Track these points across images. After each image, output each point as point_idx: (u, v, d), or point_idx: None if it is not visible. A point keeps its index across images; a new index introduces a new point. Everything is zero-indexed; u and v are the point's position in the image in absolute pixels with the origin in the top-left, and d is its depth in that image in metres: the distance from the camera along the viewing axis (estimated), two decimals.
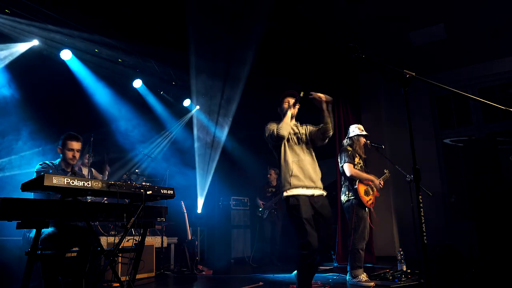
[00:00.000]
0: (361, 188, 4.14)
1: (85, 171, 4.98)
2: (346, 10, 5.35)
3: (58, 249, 2.66)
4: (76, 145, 3.26)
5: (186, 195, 6.59)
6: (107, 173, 5.27)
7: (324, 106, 3.05)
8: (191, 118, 7.93)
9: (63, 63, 5.60)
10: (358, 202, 4.10)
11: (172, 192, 2.80)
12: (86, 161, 5.01)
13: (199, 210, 7.22)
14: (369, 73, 7.57)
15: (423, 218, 1.95)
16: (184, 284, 4.55)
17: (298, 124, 3.34)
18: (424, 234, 1.91)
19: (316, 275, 3.46)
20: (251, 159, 7.73)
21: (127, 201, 2.78)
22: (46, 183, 2.07)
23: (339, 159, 4.31)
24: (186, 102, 7.64)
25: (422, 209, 1.96)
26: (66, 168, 3.27)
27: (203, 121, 7.72)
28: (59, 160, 3.28)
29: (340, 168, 4.29)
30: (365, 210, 4.15)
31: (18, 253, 3.68)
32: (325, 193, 3.14)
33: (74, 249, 2.80)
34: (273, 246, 6.36)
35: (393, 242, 6.78)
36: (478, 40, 6.28)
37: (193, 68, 6.42)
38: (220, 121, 7.57)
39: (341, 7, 5.27)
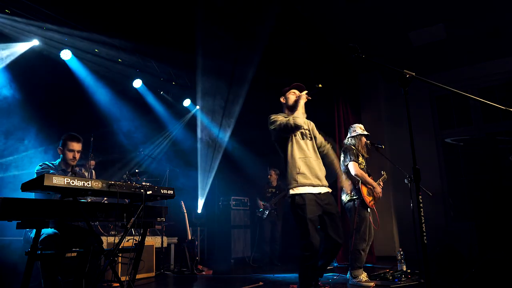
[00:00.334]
0: (364, 188, 4.11)
1: (86, 173, 4.98)
2: (346, 10, 5.35)
3: (59, 250, 2.66)
4: (76, 146, 3.25)
5: (187, 195, 6.60)
6: (91, 165, 5.09)
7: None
8: (192, 119, 7.95)
9: (63, 63, 5.61)
10: (360, 202, 4.06)
11: (172, 192, 2.79)
12: (88, 165, 5.00)
13: (199, 210, 7.23)
14: (369, 73, 7.57)
15: (423, 218, 1.95)
16: (184, 284, 4.55)
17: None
18: (424, 234, 1.91)
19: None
20: (251, 159, 7.74)
21: (127, 201, 2.78)
22: (46, 183, 2.07)
23: (342, 158, 4.25)
24: (186, 102, 7.64)
25: (422, 209, 1.96)
26: (66, 169, 3.26)
27: (205, 122, 7.72)
28: (59, 160, 3.27)
29: (343, 167, 4.21)
30: (367, 210, 4.10)
31: (19, 253, 3.68)
32: (330, 190, 3.11)
33: (74, 249, 2.81)
34: (273, 246, 6.36)
35: (393, 242, 6.78)
36: (478, 40, 6.28)
37: (193, 68, 6.43)
38: (221, 121, 7.57)
39: (341, 7, 5.27)
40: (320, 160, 3.18)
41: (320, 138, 3.33)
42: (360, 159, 4.23)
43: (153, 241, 5.16)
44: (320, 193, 2.99)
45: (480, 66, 7.12)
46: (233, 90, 6.89)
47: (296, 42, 5.86)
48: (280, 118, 3.09)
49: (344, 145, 4.43)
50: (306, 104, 3.11)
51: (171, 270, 5.42)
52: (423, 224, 1.94)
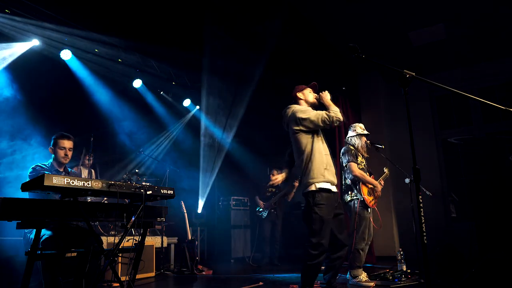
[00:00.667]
0: (364, 188, 4.11)
1: (85, 172, 4.98)
2: (346, 10, 5.35)
3: (59, 251, 2.66)
4: (67, 143, 3.22)
5: (188, 195, 6.60)
6: (86, 162, 5.06)
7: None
8: (193, 119, 7.94)
9: (63, 63, 5.60)
10: (361, 202, 4.06)
11: (172, 192, 2.79)
12: (87, 162, 5.00)
13: (199, 210, 7.22)
14: (369, 73, 7.57)
15: (423, 218, 1.95)
16: (184, 284, 4.55)
17: None
18: (424, 234, 1.90)
19: None
20: (251, 159, 7.73)
21: (127, 201, 2.78)
22: (46, 183, 2.07)
23: (342, 158, 4.27)
24: (186, 102, 7.64)
25: (422, 209, 1.95)
26: (59, 168, 3.24)
27: (207, 122, 7.72)
28: (50, 161, 3.24)
29: (343, 167, 4.26)
30: (368, 210, 4.10)
31: (19, 253, 3.68)
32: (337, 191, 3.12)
33: (74, 249, 2.80)
34: (273, 246, 6.35)
35: (393, 242, 6.78)
36: (478, 40, 6.28)
37: (193, 67, 6.42)
38: (222, 121, 7.56)
39: (341, 7, 5.27)
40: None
41: None
42: (360, 159, 4.23)
43: (153, 241, 5.16)
44: (336, 193, 2.99)
45: (480, 66, 7.12)
46: (234, 90, 6.88)
47: (296, 42, 5.86)
48: (309, 109, 3.08)
49: (344, 145, 4.45)
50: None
51: (171, 270, 5.42)
52: (423, 224, 1.94)
